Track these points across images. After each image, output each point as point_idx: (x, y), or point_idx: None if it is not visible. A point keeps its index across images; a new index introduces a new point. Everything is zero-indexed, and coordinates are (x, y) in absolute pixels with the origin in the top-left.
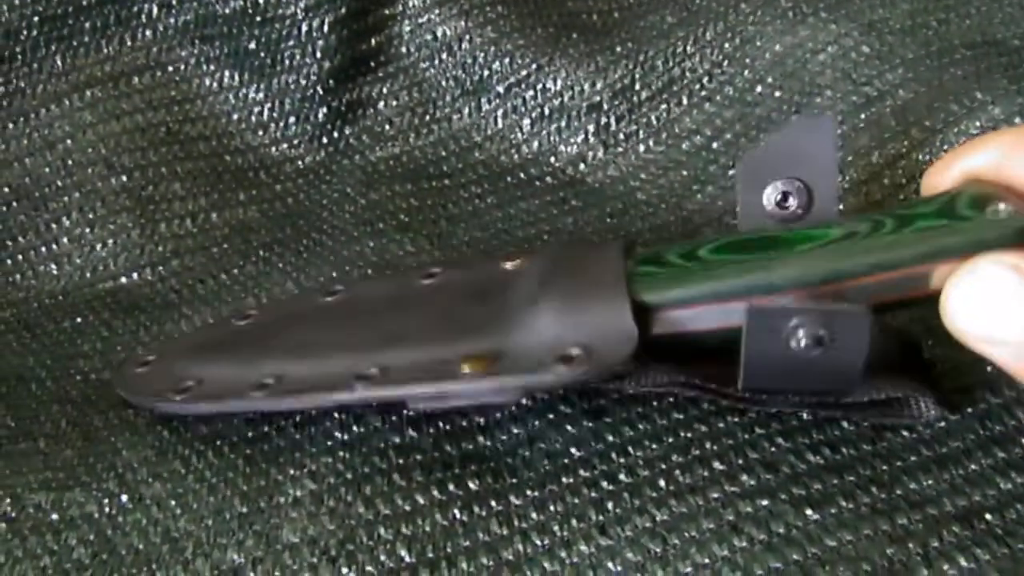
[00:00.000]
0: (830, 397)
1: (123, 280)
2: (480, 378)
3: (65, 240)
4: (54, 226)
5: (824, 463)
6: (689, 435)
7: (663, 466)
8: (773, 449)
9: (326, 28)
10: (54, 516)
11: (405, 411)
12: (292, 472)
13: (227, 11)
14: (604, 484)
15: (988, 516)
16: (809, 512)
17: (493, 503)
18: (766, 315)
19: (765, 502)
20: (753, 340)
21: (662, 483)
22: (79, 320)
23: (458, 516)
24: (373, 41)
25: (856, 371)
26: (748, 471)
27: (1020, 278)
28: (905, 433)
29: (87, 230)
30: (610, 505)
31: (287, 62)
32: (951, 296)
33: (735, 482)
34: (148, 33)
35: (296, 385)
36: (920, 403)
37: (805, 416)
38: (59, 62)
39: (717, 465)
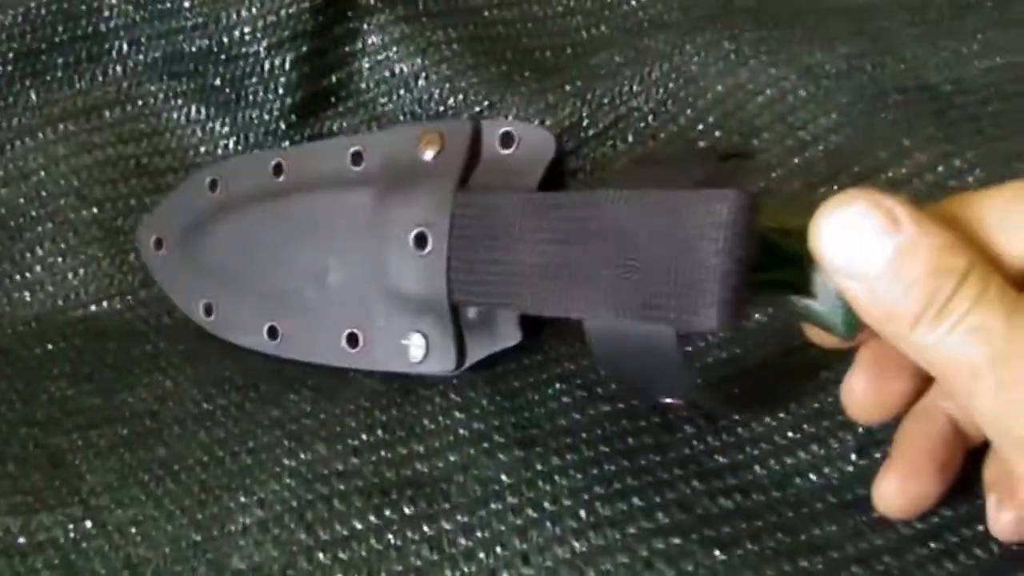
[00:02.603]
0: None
1: (93, 308)
2: None
3: (38, 268)
4: (28, 255)
5: (735, 507)
6: (613, 468)
7: (585, 497)
8: (688, 491)
9: (288, 65)
10: (21, 540)
11: (350, 440)
12: (243, 500)
13: (193, 49)
14: (529, 511)
15: (887, 558)
16: (717, 553)
17: (425, 528)
18: None
19: (677, 540)
20: None
21: (583, 514)
22: (50, 346)
23: (392, 541)
24: (334, 78)
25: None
26: (664, 509)
27: (887, 220)
28: (813, 478)
29: (59, 259)
30: (534, 534)
31: (251, 98)
32: (822, 221)
33: (651, 519)
34: (119, 69)
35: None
36: None
37: (722, 460)
38: (33, 96)
39: (636, 501)
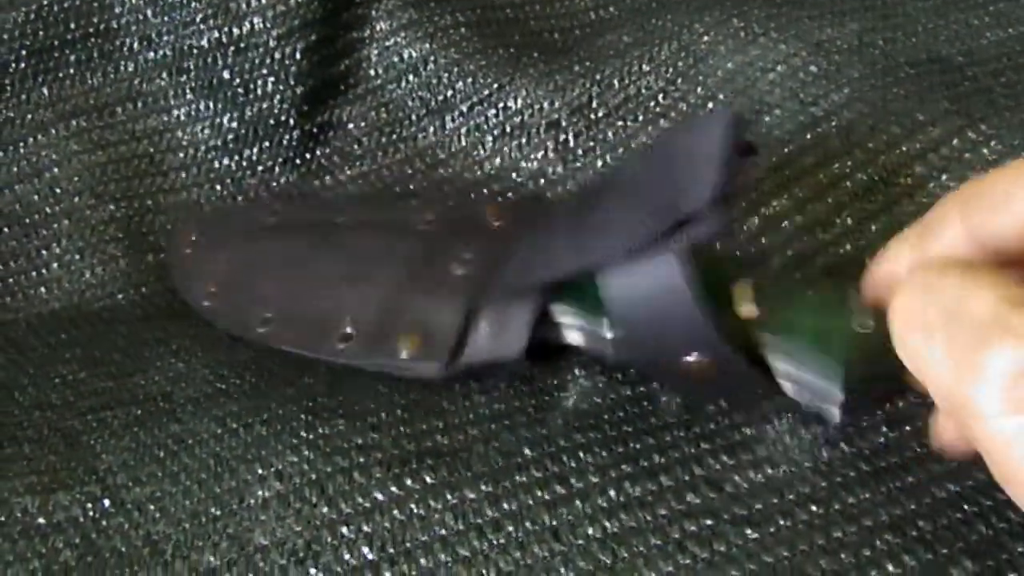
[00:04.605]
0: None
1: (108, 302)
2: None
3: (54, 266)
4: (43, 252)
5: (764, 481)
6: (638, 446)
7: (613, 474)
8: (717, 467)
9: (297, 55)
10: (40, 520)
11: (369, 417)
12: (260, 472)
13: (203, 43)
14: (556, 487)
15: (920, 523)
16: (749, 531)
17: (448, 496)
18: None
19: (709, 521)
20: None
21: (612, 493)
22: (63, 335)
23: (415, 510)
24: (342, 65)
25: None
26: (694, 489)
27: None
28: (845, 447)
29: (76, 257)
30: (563, 511)
31: (260, 90)
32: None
33: (681, 499)
34: (129, 66)
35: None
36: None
37: (748, 431)
38: (45, 93)
39: (664, 480)
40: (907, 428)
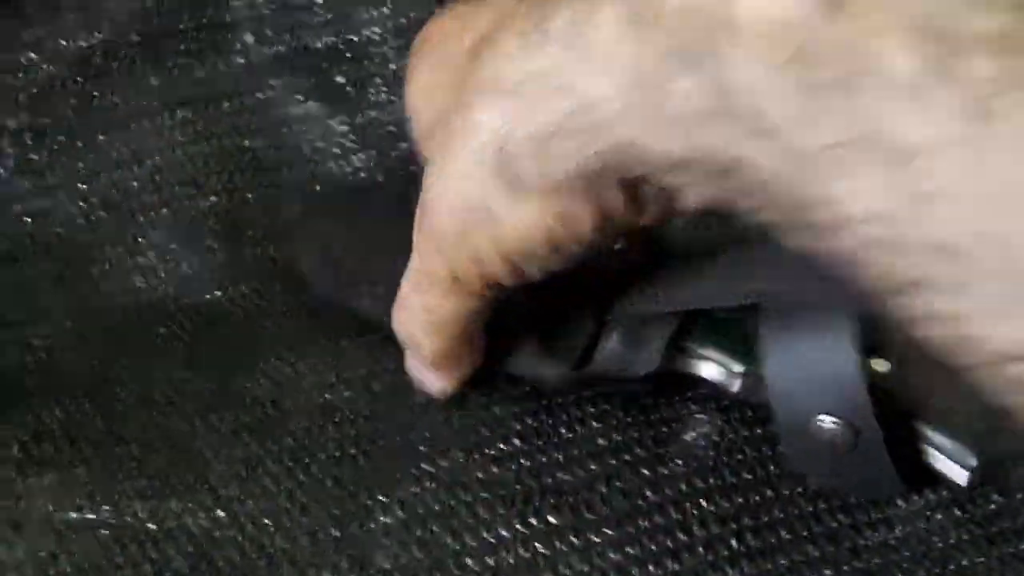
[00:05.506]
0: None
1: (207, 297)
2: None
3: (152, 255)
4: (141, 240)
5: (881, 540)
6: (758, 498)
7: (734, 526)
8: (834, 524)
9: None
10: (151, 525)
11: (487, 449)
12: (381, 499)
13: (319, 46)
14: (679, 535)
15: None
16: None
17: (573, 539)
18: None
19: (829, 572)
20: None
21: (734, 543)
22: (162, 330)
23: (539, 549)
24: None
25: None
26: (812, 542)
27: None
28: (958, 512)
29: (173, 247)
30: (686, 556)
31: (372, 98)
32: None
33: (802, 552)
34: (240, 60)
35: None
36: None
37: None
38: (153, 80)
39: (783, 533)
40: (1019, 496)
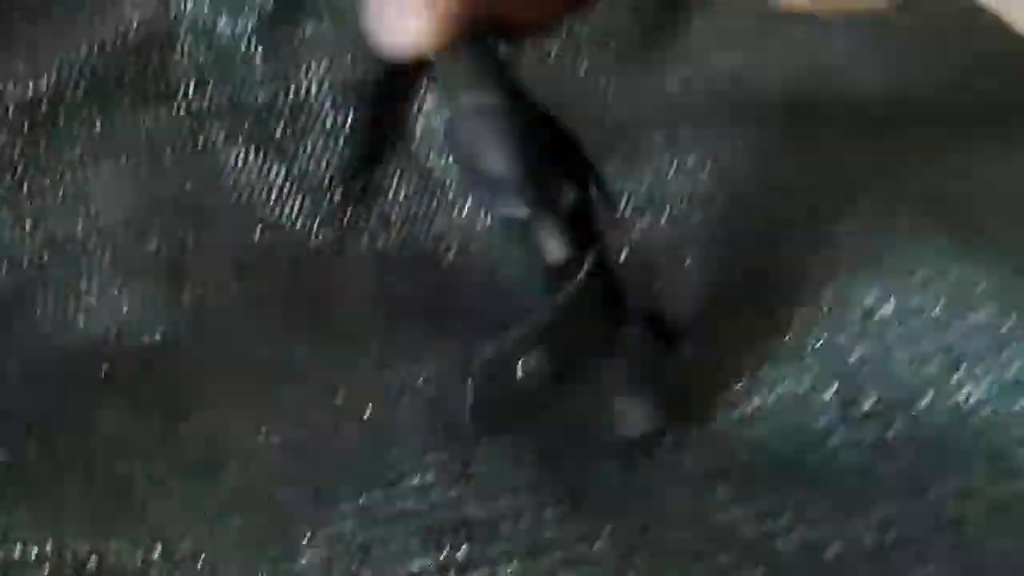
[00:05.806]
0: None
1: (145, 339)
2: None
3: (92, 298)
4: (83, 283)
5: None
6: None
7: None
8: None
9: (349, 121)
10: (91, 565)
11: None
12: (309, 535)
13: (258, 98)
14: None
15: None
16: None
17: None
18: None
19: None
20: None
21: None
22: (106, 367)
23: None
24: (388, 134)
25: None
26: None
27: None
28: None
29: (115, 292)
30: None
31: (309, 149)
32: None
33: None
34: (183, 109)
35: None
36: None
37: None
38: (98, 127)
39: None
40: None
